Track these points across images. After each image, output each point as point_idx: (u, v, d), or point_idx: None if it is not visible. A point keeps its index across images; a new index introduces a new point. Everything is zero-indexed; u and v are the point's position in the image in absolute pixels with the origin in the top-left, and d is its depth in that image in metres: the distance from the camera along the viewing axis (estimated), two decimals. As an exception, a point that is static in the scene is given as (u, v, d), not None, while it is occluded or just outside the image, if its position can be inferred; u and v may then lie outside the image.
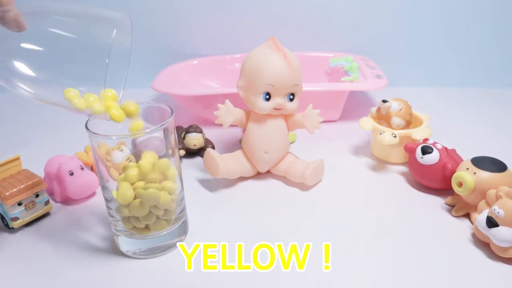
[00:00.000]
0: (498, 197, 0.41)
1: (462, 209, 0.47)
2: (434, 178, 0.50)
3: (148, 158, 0.39)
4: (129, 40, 0.40)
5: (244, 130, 0.55)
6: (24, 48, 0.35)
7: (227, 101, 0.53)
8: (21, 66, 0.35)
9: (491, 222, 0.40)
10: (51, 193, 0.52)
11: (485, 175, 0.45)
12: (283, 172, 0.55)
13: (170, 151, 0.41)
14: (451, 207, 0.49)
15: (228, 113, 0.53)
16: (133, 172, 0.39)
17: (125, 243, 0.43)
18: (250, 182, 0.55)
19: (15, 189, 0.46)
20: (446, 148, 0.51)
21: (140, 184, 0.39)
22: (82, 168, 0.51)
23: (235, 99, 0.55)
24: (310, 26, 0.84)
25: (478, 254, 0.42)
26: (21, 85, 0.35)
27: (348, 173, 0.57)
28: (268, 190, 0.54)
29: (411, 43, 0.85)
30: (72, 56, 0.36)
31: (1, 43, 0.34)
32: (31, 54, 0.35)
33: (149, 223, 0.41)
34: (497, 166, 0.45)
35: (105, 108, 0.37)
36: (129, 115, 0.39)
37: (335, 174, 0.56)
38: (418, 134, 0.55)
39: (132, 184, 0.39)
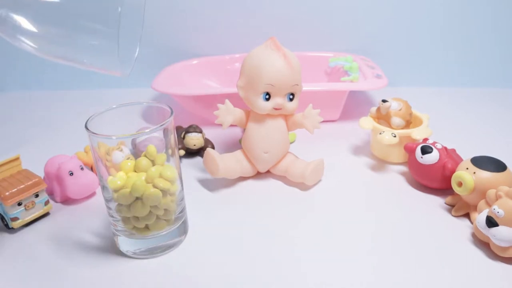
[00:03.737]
0: (498, 197, 0.41)
1: (462, 209, 0.47)
2: (434, 178, 0.50)
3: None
4: None
5: (244, 130, 0.55)
6: (34, 2, 0.34)
7: (227, 101, 0.53)
8: (25, 21, 0.34)
9: (491, 222, 0.40)
10: (51, 193, 0.52)
11: (485, 175, 0.45)
12: (283, 172, 0.55)
13: (170, 151, 0.41)
14: (451, 207, 0.49)
15: (228, 113, 0.53)
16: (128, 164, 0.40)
17: (125, 243, 0.43)
18: (250, 182, 0.55)
19: (15, 189, 0.46)
20: (446, 148, 0.51)
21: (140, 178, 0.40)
22: (82, 168, 0.51)
23: (235, 99, 0.55)
24: (310, 26, 0.84)
25: (478, 254, 0.42)
26: (25, 39, 0.35)
27: (348, 173, 0.57)
28: (268, 190, 0.54)
29: (411, 43, 0.85)
30: (83, 10, 0.36)
31: None
32: (41, 9, 0.34)
33: (149, 223, 0.41)
34: (497, 165, 0.45)
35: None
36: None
37: (335, 174, 0.56)
38: (418, 133, 0.55)
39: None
